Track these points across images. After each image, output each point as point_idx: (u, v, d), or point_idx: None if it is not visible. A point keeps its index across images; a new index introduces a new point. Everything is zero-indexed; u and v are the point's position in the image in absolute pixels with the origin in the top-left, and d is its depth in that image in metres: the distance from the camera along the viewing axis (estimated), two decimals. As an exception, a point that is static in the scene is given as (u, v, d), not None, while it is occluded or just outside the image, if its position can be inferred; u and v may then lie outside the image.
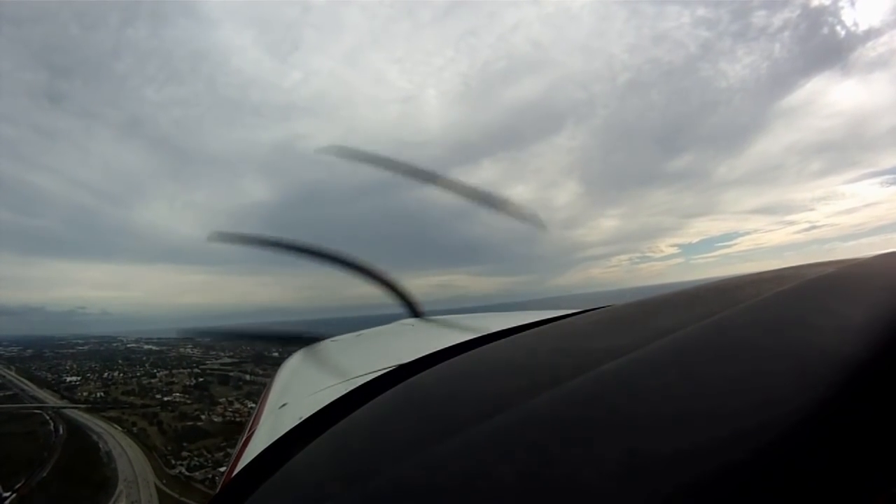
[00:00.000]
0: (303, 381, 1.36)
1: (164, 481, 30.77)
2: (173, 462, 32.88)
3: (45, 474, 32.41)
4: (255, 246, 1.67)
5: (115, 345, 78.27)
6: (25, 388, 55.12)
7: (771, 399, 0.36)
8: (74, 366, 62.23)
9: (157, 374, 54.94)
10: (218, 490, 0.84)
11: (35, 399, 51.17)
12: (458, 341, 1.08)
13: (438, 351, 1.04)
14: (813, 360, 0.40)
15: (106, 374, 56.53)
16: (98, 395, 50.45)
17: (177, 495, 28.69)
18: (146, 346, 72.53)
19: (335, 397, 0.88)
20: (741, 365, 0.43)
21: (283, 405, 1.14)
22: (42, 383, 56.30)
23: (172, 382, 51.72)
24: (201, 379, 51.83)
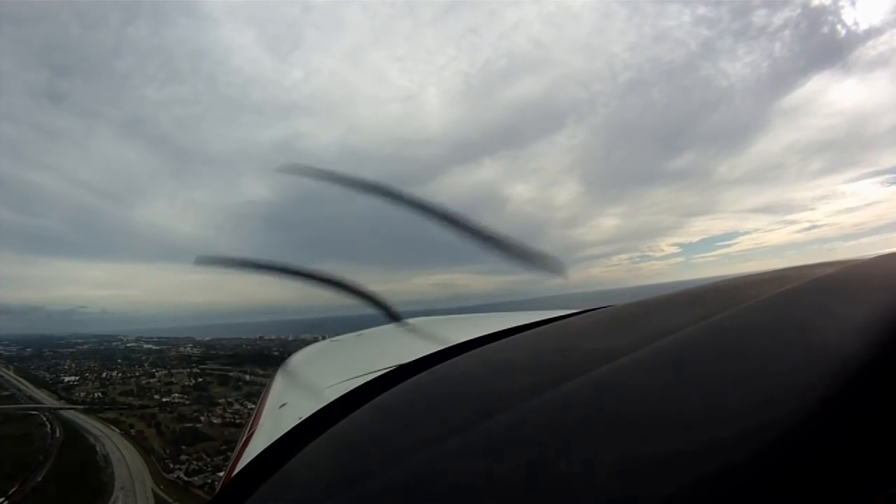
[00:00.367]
0: (303, 381, 1.35)
1: (162, 487, 29.93)
2: (171, 466, 31.99)
3: (40, 479, 31.57)
4: (239, 269, 1.57)
5: (114, 344, 77.46)
6: (23, 388, 54.34)
7: (771, 399, 0.36)
8: (73, 365, 61.46)
9: (156, 374, 54.13)
10: (218, 490, 0.83)
11: (32, 400, 50.39)
12: (458, 341, 1.08)
13: (438, 351, 1.03)
14: (813, 361, 0.40)
15: (104, 374, 55.73)
16: (96, 395, 49.63)
17: (175, 501, 27.84)
18: (146, 346, 71.76)
19: (335, 397, 0.88)
20: (742, 365, 0.43)
21: (283, 405, 1.12)
22: (40, 383, 55.50)
23: (171, 382, 50.88)
24: (200, 379, 51.02)
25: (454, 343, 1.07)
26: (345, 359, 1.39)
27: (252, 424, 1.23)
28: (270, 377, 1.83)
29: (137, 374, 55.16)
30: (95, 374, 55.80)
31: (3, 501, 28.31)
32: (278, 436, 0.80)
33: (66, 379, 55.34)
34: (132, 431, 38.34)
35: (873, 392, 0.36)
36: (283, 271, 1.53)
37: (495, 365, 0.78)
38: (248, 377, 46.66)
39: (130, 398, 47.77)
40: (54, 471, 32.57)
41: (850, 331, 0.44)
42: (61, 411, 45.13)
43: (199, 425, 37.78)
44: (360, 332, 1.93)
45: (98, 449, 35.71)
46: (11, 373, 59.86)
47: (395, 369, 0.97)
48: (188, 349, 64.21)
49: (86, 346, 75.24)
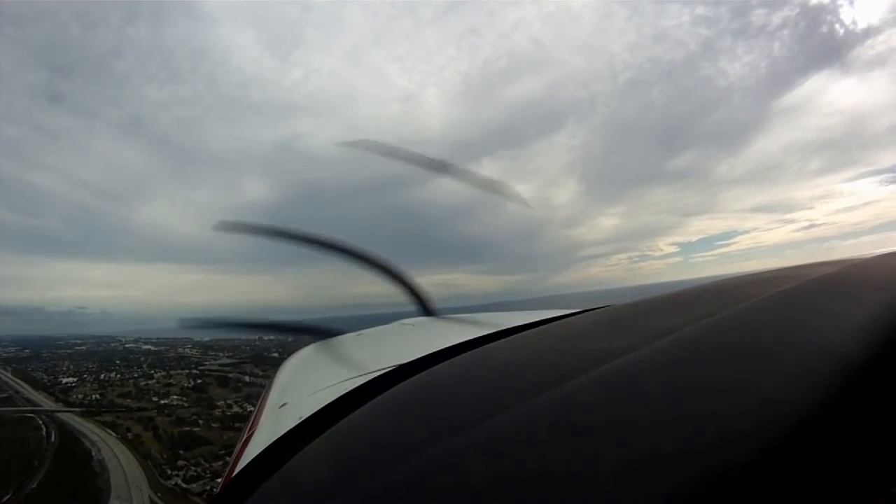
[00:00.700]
0: (303, 381, 1.36)
1: (160, 494, 29.09)
2: (169, 472, 31.14)
3: (34, 485, 30.72)
4: (261, 236, 1.64)
5: (113, 345, 76.75)
6: (21, 390, 53.60)
7: (772, 399, 0.36)
8: (71, 367, 60.71)
9: (155, 376, 53.31)
10: (218, 490, 0.84)
11: (29, 402, 49.61)
12: (458, 341, 1.08)
13: (438, 351, 1.04)
14: (813, 361, 0.40)
15: (103, 376, 54.95)
16: (94, 397, 48.83)
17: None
18: (145, 347, 70.97)
19: (335, 397, 0.88)
20: (742, 365, 0.43)
21: (283, 405, 1.13)
22: (37, 385, 54.75)
23: (170, 384, 50.04)
24: (199, 380, 50.15)
25: (454, 343, 1.07)
26: (345, 359, 1.35)
27: (252, 424, 1.21)
28: (270, 377, 1.81)
29: (136, 375, 54.35)
30: (94, 376, 55.04)
31: (-4, 509, 27.51)
32: (278, 436, 0.81)
33: (64, 380, 54.57)
34: (129, 435, 37.49)
35: (874, 392, 0.36)
36: (305, 240, 1.56)
37: (495, 365, 0.78)
38: (247, 378, 45.78)
39: (128, 400, 46.94)
40: (49, 477, 31.73)
41: (850, 330, 0.44)
42: (58, 414, 44.33)
43: (197, 429, 36.93)
44: (360, 332, 1.92)
45: (94, 454, 34.86)
46: (9, 374, 59.14)
47: (395, 369, 0.97)
48: (187, 350, 63.32)
49: (84, 347, 74.52)
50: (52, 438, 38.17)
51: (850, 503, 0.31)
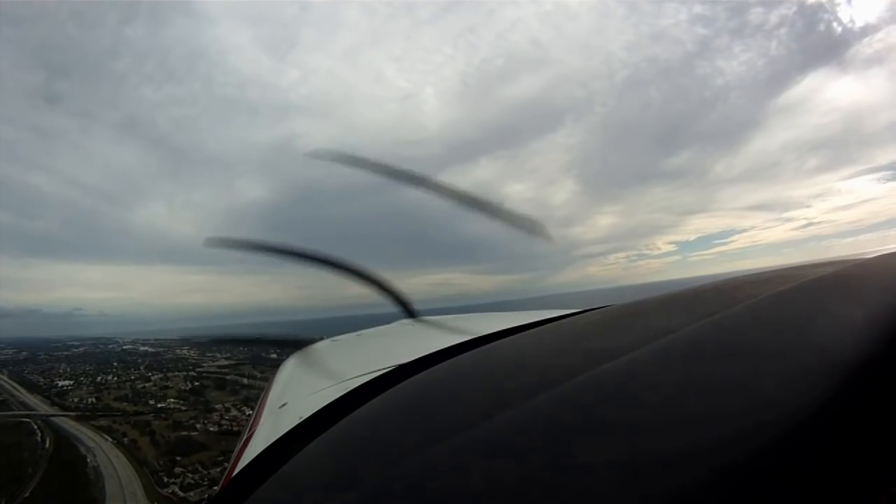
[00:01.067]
0: (302, 381, 1.34)
1: (156, 503, 28.19)
2: (166, 480, 30.23)
3: (27, 494, 29.83)
4: (249, 251, 1.73)
5: (111, 346, 75.76)
6: (16, 393, 52.68)
7: (772, 399, 0.36)
8: (68, 369, 59.81)
9: (152, 378, 52.44)
10: (218, 490, 0.84)
11: (24, 406, 48.68)
12: (457, 341, 1.08)
13: (438, 351, 1.03)
14: (814, 361, 0.40)
15: (99, 378, 54.06)
16: (89, 400, 47.93)
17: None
18: (142, 348, 70.09)
19: (335, 397, 0.88)
20: (742, 365, 0.43)
21: (283, 405, 1.12)
22: (33, 388, 53.81)
23: (167, 387, 49.19)
24: (197, 383, 49.33)
25: (454, 343, 1.06)
26: (345, 359, 1.36)
27: (252, 424, 1.18)
28: (270, 378, 1.79)
29: (133, 377, 53.49)
30: (90, 378, 54.14)
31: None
32: (278, 436, 0.81)
33: (61, 383, 53.64)
34: (125, 440, 36.58)
35: (874, 391, 0.36)
36: (291, 254, 1.58)
37: (495, 365, 0.78)
38: (245, 380, 44.90)
39: (125, 403, 46.08)
40: (42, 485, 30.84)
41: (850, 330, 0.44)
42: (53, 418, 43.42)
43: (194, 433, 36.06)
44: (360, 332, 1.93)
45: (89, 460, 33.97)
46: (5, 377, 58.23)
47: (394, 369, 0.97)
48: (184, 351, 62.41)
49: (82, 349, 73.54)
50: (47, 444, 37.29)
51: (850, 503, 0.30)
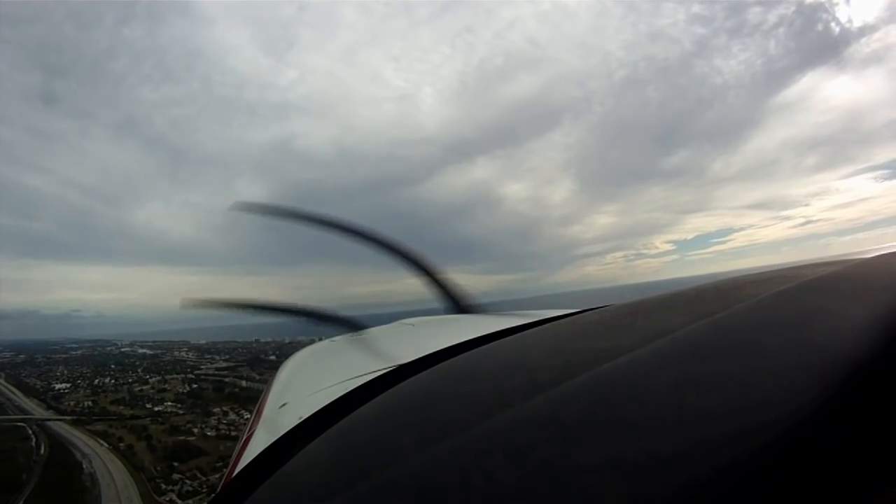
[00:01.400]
0: (303, 381, 1.35)
1: (153, 512, 27.47)
2: (163, 487, 29.45)
3: (21, 503, 29.05)
4: (281, 218, 1.65)
5: (109, 348, 75.21)
6: (12, 397, 52.00)
7: (772, 399, 0.36)
8: (65, 372, 59.22)
9: (150, 381, 51.74)
10: (218, 490, 0.85)
11: (20, 410, 47.95)
12: (457, 341, 1.08)
13: (438, 351, 1.04)
14: (814, 361, 0.40)
15: (97, 381, 53.43)
16: (86, 404, 47.23)
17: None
18: (140, 350, 69.40)
19: (335, 397, 0.89)
20: (742, 365, 0.43)
21: (283, 405, 1.13)
22: (30, 391, 53.19)
23: (165, 390, 48.45)
24: (195, 385, 48.55)
25: (454, 343, 1.07)
26: (344, 359, 1.35)
27: (252, 424, 1.19)
28: (270, 378, 1.80)
29: (130, 380, 52.81)
30: (87, 381, 53.51)
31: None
32: (278, 436, 0.81)
33: (58, 386, 52.98)
34: (121, 446, 35.81)
35: (874, 391, 0.36)
36: (329, 224, 1.58)
37: (495, 365, 0.79)
38: (244, 383, 44.15)
39: (121, 407, 45.32)
40: (36, 493, 30.08)
41: (850, 330, 0.44)
42: (49, 423, 42.66)
43: (192, 438, 35.27)
44: (360, 332, 1.86)
45: (85, 466, 33.21)
46: (2, 381, 57.54)
47: (394, 369, 0.98)
48: (183, 353, 61.69)
49: (80, 352, 73.00)
50: (42, 450, 36.53)
51: (850, 503, 0.30)
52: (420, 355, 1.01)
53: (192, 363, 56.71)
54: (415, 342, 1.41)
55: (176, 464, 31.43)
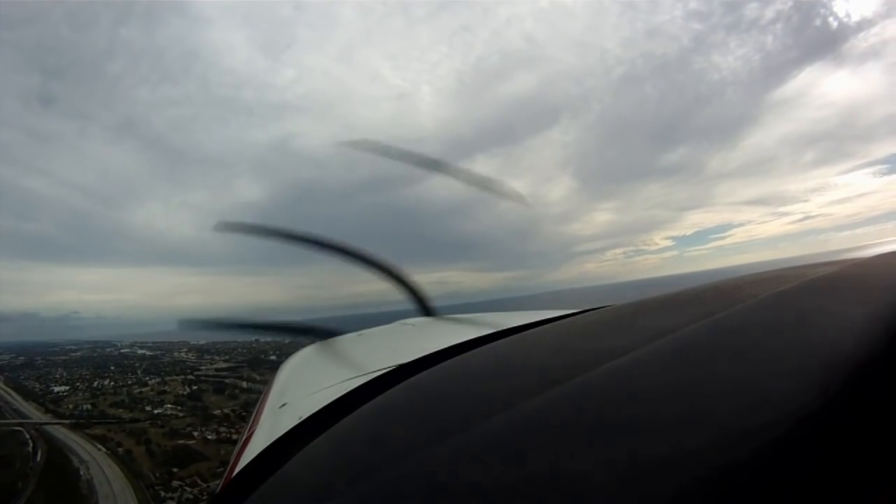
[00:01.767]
0: (303, 381, 1.36)
1: (151, 520, 26.58)
2: (163, 494, 28.53)
3: (16, 511, 28.20)
4: (261, 236, 1.65)
5: (108, 350, 74.21)
6: (10, 400, 51.08)
7: (772, 399, 0.35)
8: (64, 374, 58.23)
9: (150, 383, 50.82)
10: (218, 490, 0.85)
11: (18, 413, 47.04)
12: (458, 341, 1.08)
13: (438, 351, 1.04)
14: (814, 361, 0.40)
15: (96, 383, 52.47)
16: (85, 407, 46.27)
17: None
18: (140, 351, 68.48)
19: (335, 397, 0.89)
20: (742, 365, 0.43)
21: (283, 405, 1.13)
22: (28, 394, 52.21)
23: (165, 391, 47.52)
24: (195, 387, 47.63)
25: (454, 343, 1.07)
26: (344, 359, 1.33)
27: (252, 424, 1.19)
28: (270, 378, 1.80)
29: (129, 382, 51.89)
30: (86, 384, 52.56)
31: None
32: (278, 436, 0.81)
33: (56, 389, 52.03)
34: (120, 451, 34.90)
35: (873, 392, 0.36)
36: (305, 241, 1.56)
37: (495, 365, 0.79)
38: (244, 384, 43.17)
39: (121, 410, 44.43)
40: (32, 501, 29.15)
41: (850, 331, 0.43)
42: (47, 427, 41.76)
43: (192, 442, 34.35)
44: (359, 332, 1.86)
45: (83, 473, 32.31)
46: (1, 383, 56.65)
47: (394, 369, 0.98)
48: (183, 354, 60.81)
49: (79, 353, 72.04)
50: (39, 456, 35.63)
51: (850, 503, 0.30)
52: (420, 355, 1.00)
53: (191, 364, 55.83)
54: (415, 342, 1.40)
55: (175, 469, 30.49)
